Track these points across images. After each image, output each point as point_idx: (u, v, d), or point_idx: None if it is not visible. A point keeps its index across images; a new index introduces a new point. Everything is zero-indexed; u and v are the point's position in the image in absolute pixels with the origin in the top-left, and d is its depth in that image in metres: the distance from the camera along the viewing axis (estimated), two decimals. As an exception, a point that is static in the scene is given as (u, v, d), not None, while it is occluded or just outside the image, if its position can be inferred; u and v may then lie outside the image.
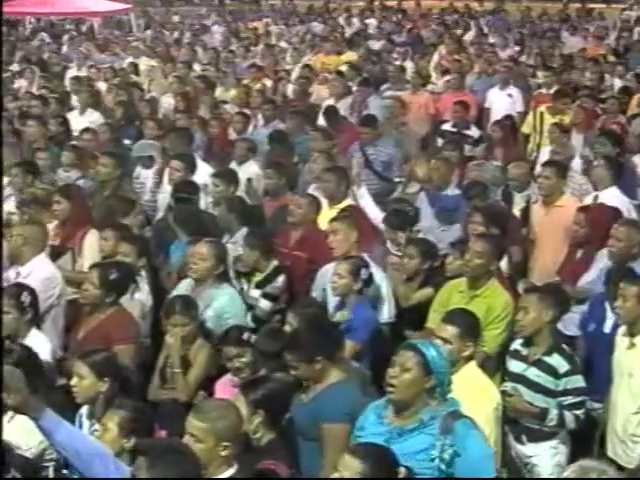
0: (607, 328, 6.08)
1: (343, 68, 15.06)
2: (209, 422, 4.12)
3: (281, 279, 6.92)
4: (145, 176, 9.53)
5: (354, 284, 6.24)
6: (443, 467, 4.32)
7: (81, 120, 11.79)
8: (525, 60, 16.84)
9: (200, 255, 6.52)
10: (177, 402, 5.71)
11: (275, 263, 6.97)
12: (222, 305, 6.45)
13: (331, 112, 11.79)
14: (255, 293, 6.91)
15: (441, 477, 4.34)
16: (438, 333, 5.31)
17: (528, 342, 5.67)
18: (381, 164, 10.00)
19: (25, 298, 5.93)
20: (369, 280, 6.33)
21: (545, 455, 5.61)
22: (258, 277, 6.95)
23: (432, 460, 4.31)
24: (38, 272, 6.65)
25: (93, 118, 11.92)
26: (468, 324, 5.35)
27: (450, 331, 5.24)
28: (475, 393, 4.99)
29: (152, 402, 5.77)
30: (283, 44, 19.64)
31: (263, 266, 6.94)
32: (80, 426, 4.98)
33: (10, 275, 6.75)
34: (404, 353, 4.50)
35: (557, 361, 5.52)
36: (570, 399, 5.49)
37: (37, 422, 3.66)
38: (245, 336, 5.68)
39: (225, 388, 5.61)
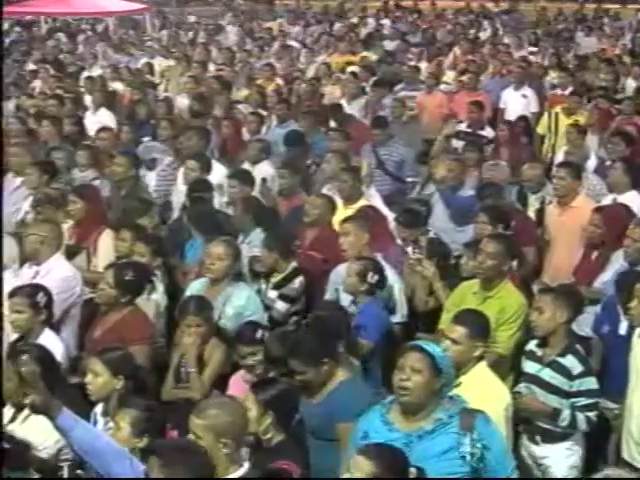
0: (622, 330, 6.04)
1: (356, 69, 15.04)
2: (207, 419, 4.13)
3: (298, 281, 6.90)
4: (149, 178, 9.54)
5: (360, 285, 6.26)
6: (474, 463, 4.32)
7: (93, 120, 11.83)
8: (540, 60, 16.79)
9: (217, 255, 6.52)
10: (190, 402, 5.72)
11: (294, 264, 6.96)
12: (242, 304, 6.45)
13: (338, 111, 11.73)
14: (272, 294, 6.88)
15: (465, 478, 4.34)
16: (447, 334, 5.30)
17: (543, 343, 5.67)
18: (394, 164, 9.99)
19: (41, 299, 5.94)
20: (381, 282, 6.33)
21: (559, 456, 5.60)
22: (276, 278, 6.94)
23: (463, 457, 4.31)
24: (57, 271, 6.67)
25: (104, 118, 11.94)
26: (477, 325, 5.34)
27: (459, 332, 5.23)
28: (485, 394, 4.97)
29: (165, 402, 5.77)
30: (296, 44, 19.61)
31: (282, 267, 6.93)
32: (95, 423, 5.00)
33: (27, 273, 6.77)
34: (412, 355, 4.44)
35: (571, 362, 5.52)
36: (583, 400, 5.48)
37: (54, 421, 3.67)
38: (259, 334, 5.68)
39: (238, 384, 5.62)
